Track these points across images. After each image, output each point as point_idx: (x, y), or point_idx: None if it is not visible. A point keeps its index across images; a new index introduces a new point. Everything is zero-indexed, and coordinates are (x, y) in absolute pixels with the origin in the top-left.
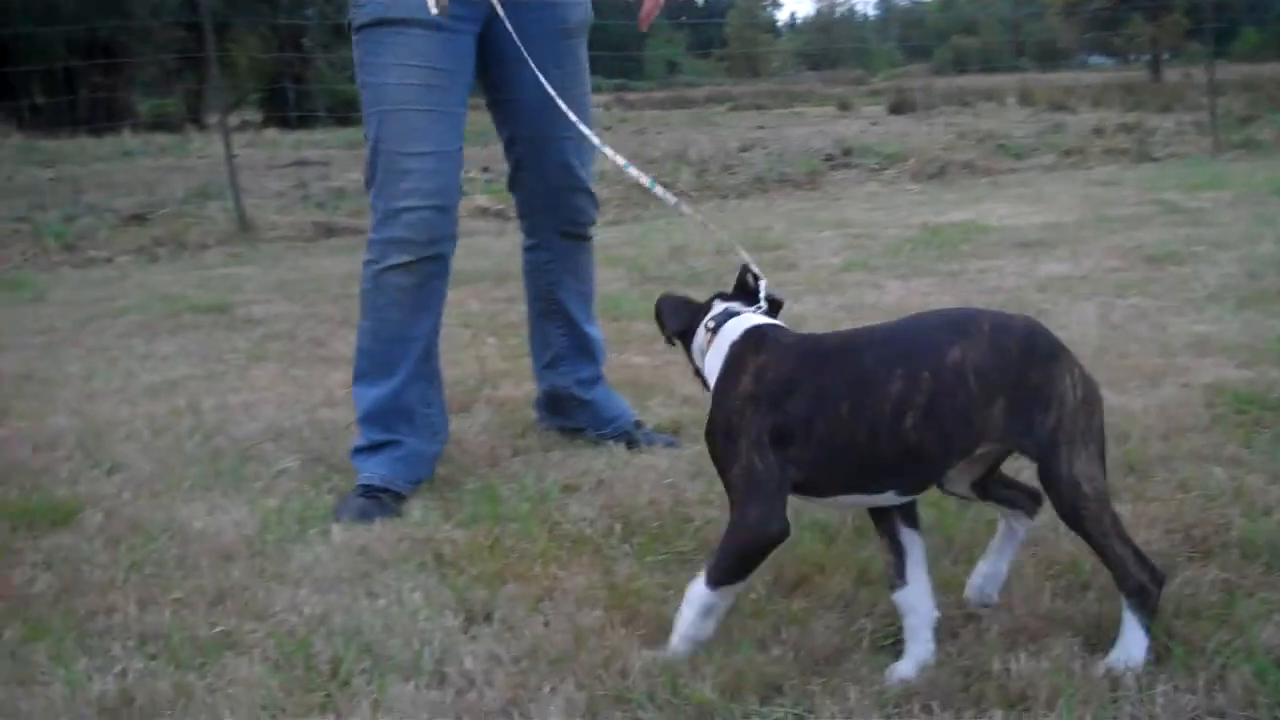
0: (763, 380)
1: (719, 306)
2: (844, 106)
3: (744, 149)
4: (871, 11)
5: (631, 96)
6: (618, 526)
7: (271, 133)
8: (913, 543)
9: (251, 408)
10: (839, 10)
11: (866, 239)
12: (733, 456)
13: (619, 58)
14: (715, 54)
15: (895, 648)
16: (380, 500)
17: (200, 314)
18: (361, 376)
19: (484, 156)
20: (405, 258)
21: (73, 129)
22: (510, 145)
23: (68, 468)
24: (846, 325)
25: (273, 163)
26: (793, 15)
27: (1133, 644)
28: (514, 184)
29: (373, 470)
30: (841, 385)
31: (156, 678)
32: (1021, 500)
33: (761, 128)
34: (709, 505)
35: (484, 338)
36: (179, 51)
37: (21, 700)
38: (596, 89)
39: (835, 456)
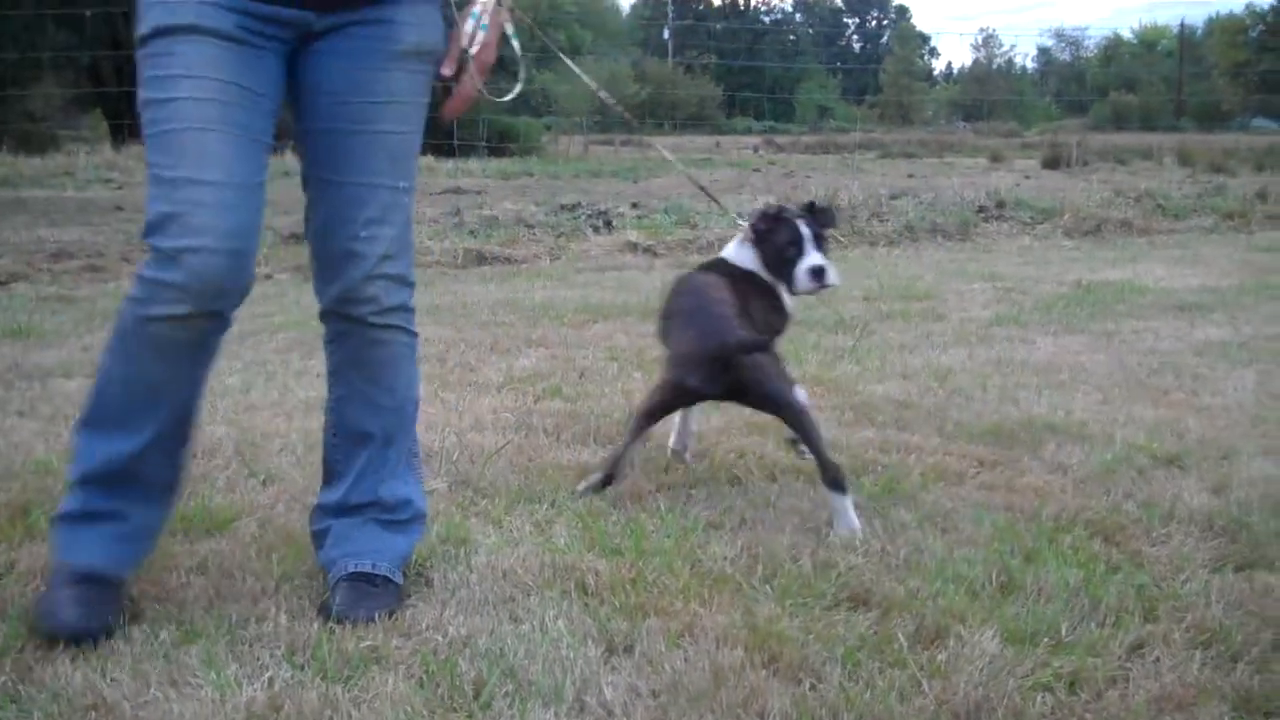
0: None
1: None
2: (996, 158)
3: (894, 197)
4: (1030, 64)
5: (781, 140)
6: (760, 567)
7: (427, 160)
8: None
9: None
10: (997, 62)
11: (1017, 293)
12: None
13: (771, 100)
14: (869, 100)
15: (1040, 709)
16: (101, 589)
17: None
18: (93, 424)
19: (634, 192)
20: (180, 309)
21: None
22: (304, 187)
23: (224, 476)
24: (996, 380)
25: (428, 189)
26: (949, 65)
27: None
28: (307, 237)
29: (90, 551)
30: None
31: (304, 688)
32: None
33: (912, 176)
34: (851, 552)
35: (630, 372)
36: None
37: (174, 702)
38: (746, 130)
39: None
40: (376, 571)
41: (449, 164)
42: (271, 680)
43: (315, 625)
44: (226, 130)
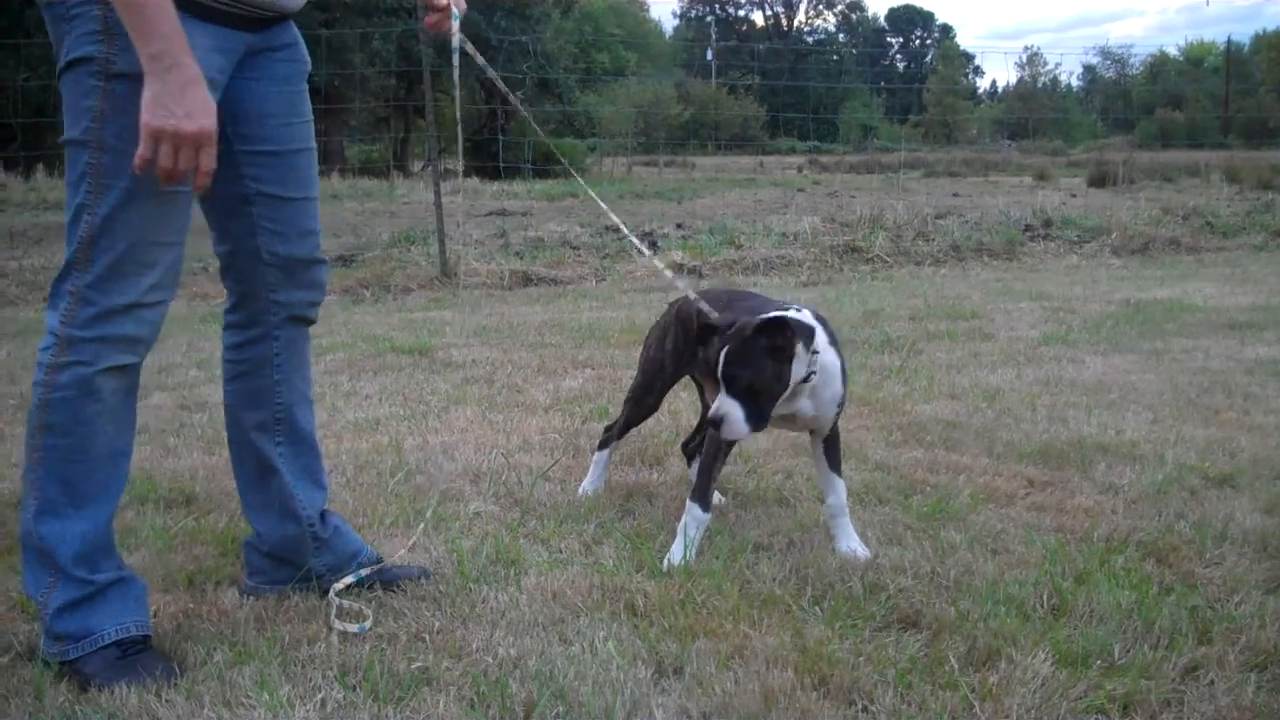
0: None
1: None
2: (1041, 177)
3: (939, 216)
4: (1075, 82)
5: (825, 159)
6: (809, 588)
7: (472, 182)
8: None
9: (451, 449)
10: (1041, 80)
11: (1065, 312)
12: None
13: (815, 120)
14: (913, 120)
15: None
16: (151, 651)
17: (402, 355)
18: (55, 511)
19: (677, 213)
20: (127, 359)
21: None
22: (239, 204)
23: None
24: (1044, 399)
25: (473, 211)
26: (993, 83)
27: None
28: (234, 262)
29: (129, 618)
30: None
31: (356, 709)
32: None
33: (957, 195)
34: (901, 573)
35: (676, 391)
36: (389, 100)
37: None
38: (790, 150)
39: None
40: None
41: (494, 186)
42: (324, 701)
43: (367, 646)
44: (183, 188)
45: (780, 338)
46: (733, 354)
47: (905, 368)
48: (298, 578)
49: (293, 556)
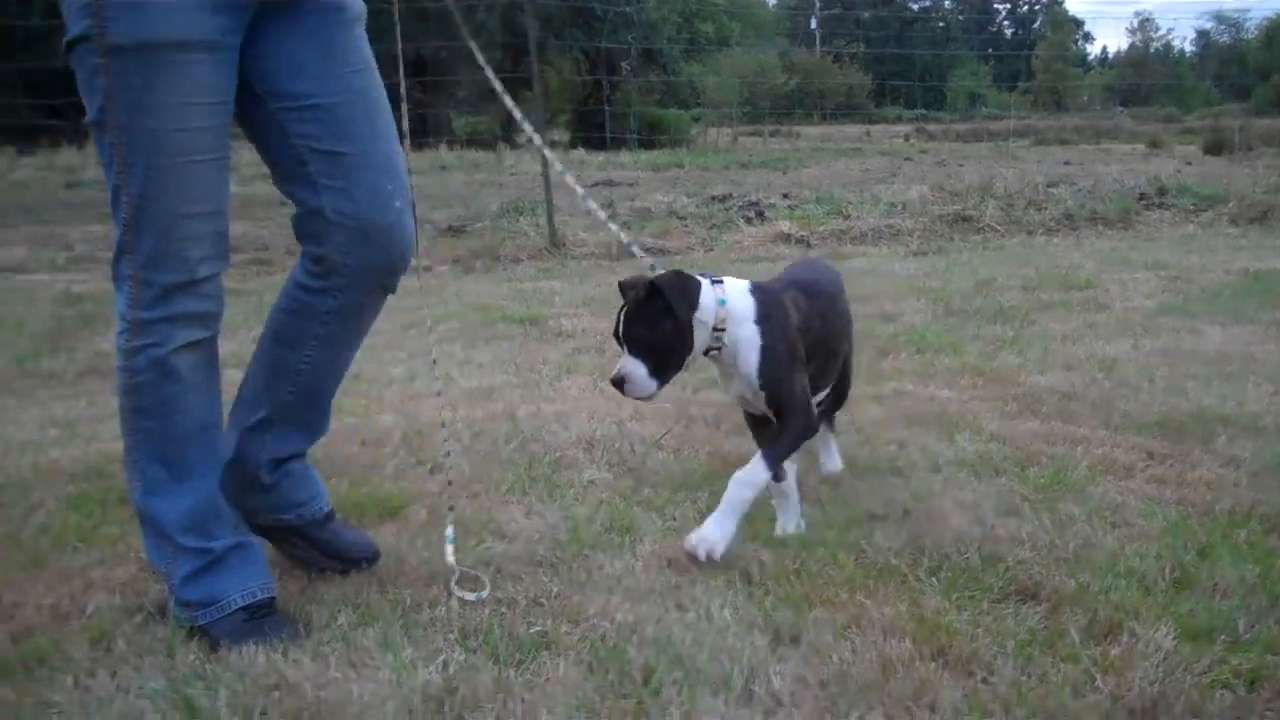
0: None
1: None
2: (1155, 144)
3: (1051, 184)
4: (1189, 48)
5: (931, 127)
6: (925, 559)
7: (579, 153)
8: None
9: (564, 417)
10: (1154, 45)
11: (1183, 282)
12: (790, 379)
13: (922, 88)
14: (1021, 87)
15: (1218, 706)
16: (277, 614)
17: (514, 324)
18: (159, 490)
19: (784, 183)
20: (200, 334)
21: None
22: (297, 164)
23: (393, 464)
24: (1163, 370)
25: (579, 182)
26: (1104, 49)
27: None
28: (304, 227)
29: (255, 581)
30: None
31: (477, 671)
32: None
33: (1068, 163)
34: (1019, 545)
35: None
36: (496, 71)
37: (354, 683)
38: (897, 118)
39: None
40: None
41: (600, 156)
42: (446, 663)
43: (486, 610)
44: (215, 156)
45: (660, 299)
46: (629, 312)
47: (1019, 338)
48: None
49: (234, 488)
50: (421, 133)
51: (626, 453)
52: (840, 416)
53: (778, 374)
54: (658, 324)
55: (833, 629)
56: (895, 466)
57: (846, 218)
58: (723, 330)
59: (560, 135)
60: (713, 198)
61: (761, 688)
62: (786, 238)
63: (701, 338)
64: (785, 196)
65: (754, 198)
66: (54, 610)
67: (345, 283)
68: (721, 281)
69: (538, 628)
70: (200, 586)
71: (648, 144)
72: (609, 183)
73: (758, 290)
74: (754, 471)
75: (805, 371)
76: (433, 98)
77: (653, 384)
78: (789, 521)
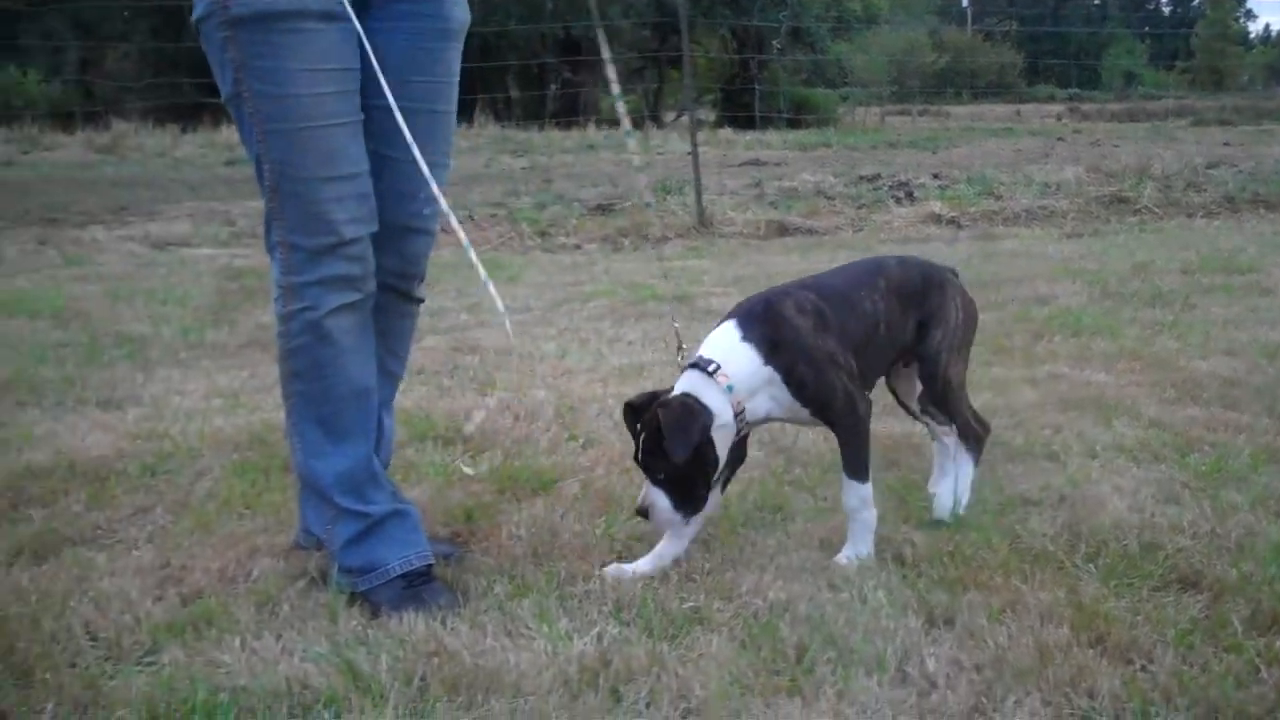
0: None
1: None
2: None
3: (1211, 165)
4: None
5: (1085, 107)
6: (1082, 545)
7: (725, 132)
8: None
9: None
10: None
11: None
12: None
13: (1076, 66)
14: (1179, 66)
15: None
16: (436, 582)
17: (662, 302)
18: (318, 454)
19: (933, 162)
20: (352, 296)
21: (541, 122)
22: None
23: (546, 438)
24: None
25: (726, 161)
26: (1266, 27)
27: (965, 473)
28: None
29: (412, 549)
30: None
31: (631, 644)
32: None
33: (1229, 144)
34: (1179, 533)
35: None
36: (643, 50)
37: (510, 652)
38: (1049, 97)
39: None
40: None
41: (746, 136)
42: (600, 635)
43: (639, 584)
44: (347, 120)
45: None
46: (646, 443)
47: (1178, 322)
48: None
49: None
50: (570, 112)
51: (777, 432)
52: (994, 400)
53: (815, 391)
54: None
55: (987, 613)
56: (1050, 451)
57: (998, 198)
58: (743, 411)
59: (707, 114)
60: (861, 177)
61: (915, 669)
62: (937, 218)
63: (725, 440)
64: (935, 176)
65: (903, 178)
66: (221, 574)
67: (379, 283)
68: (715, 365)
69: (690, 603)
70: (359, 553)
71: (795, 123)
72: (756, 162)
73: (747, 323)
74: (853, 494)
75: (841, 364)
76: (580, 77)
77: (677, 516)
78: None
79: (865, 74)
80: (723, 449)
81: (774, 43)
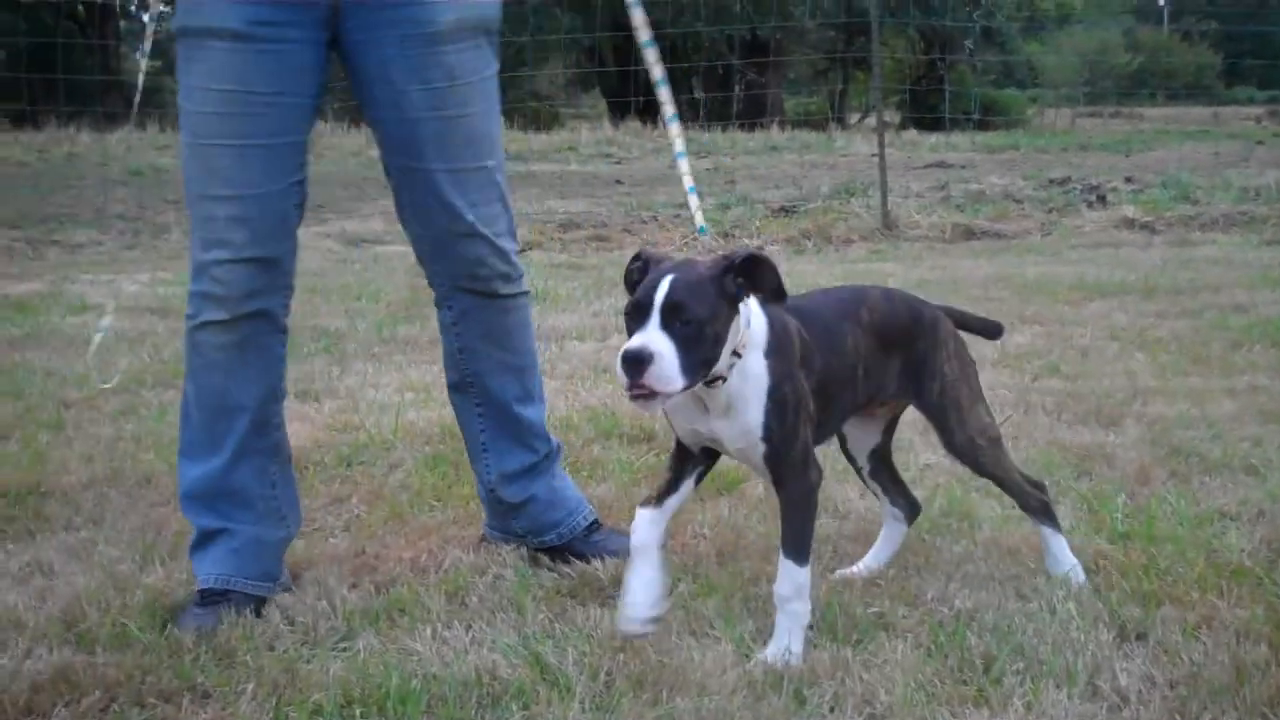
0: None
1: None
2: None
3: None
4: None
5: None
6: None
7: (910, 134)
8: (689, 489)
9: None
10: None
11: None
12: (796, 434)
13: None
14: None
15: None
16: (219, 607)
17: None
18: (185, 451)
19: (1126, 166)
20: (220, 314)
21: (724, 123)
22: (387, 176)
23: None
24: None
25: (911, 164)
26: None
27: (1059, 549)
28: (401, 221)
29: (208, 570)
30: (831, 340)
31: (815, 648)
32: (903, 504)
33: None
34: None
35: (1132, 352)
36: (828, 52)
37: (694, 650)
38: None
39: (825, 406)
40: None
41: (931, 138)
42: None
43: (823, 589)
44: (232, 142)
45: (753, 276)
46: (684, 282)
47: None
48: (510, 537)
49: (495, 512)
50: (755, 113)
51: None
52: (1190, 411)
53: (784, 429)
54: (717, 308)
55: (1182, 628)
56: (1249, 464)
57: (1195, 203)
58: (739, 356)
59: (892, 116)
60: (1051, 180)
61: (1107, 684)
62: (1130, 223)
63: (729, 338)
64: (1128, 180)
65: (1094, 181)
66: (413, 564)
67: (443, 292)
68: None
69: (874, 609)
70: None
71: (982, 125)
72: (941, 164)
73: (769, 314)
74: (787, 579)
75: (810, 416)
76: (765, 77)
77: (679, 379)
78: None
79: (1056, 75)
80: (722, 363)
81: (966, 43)
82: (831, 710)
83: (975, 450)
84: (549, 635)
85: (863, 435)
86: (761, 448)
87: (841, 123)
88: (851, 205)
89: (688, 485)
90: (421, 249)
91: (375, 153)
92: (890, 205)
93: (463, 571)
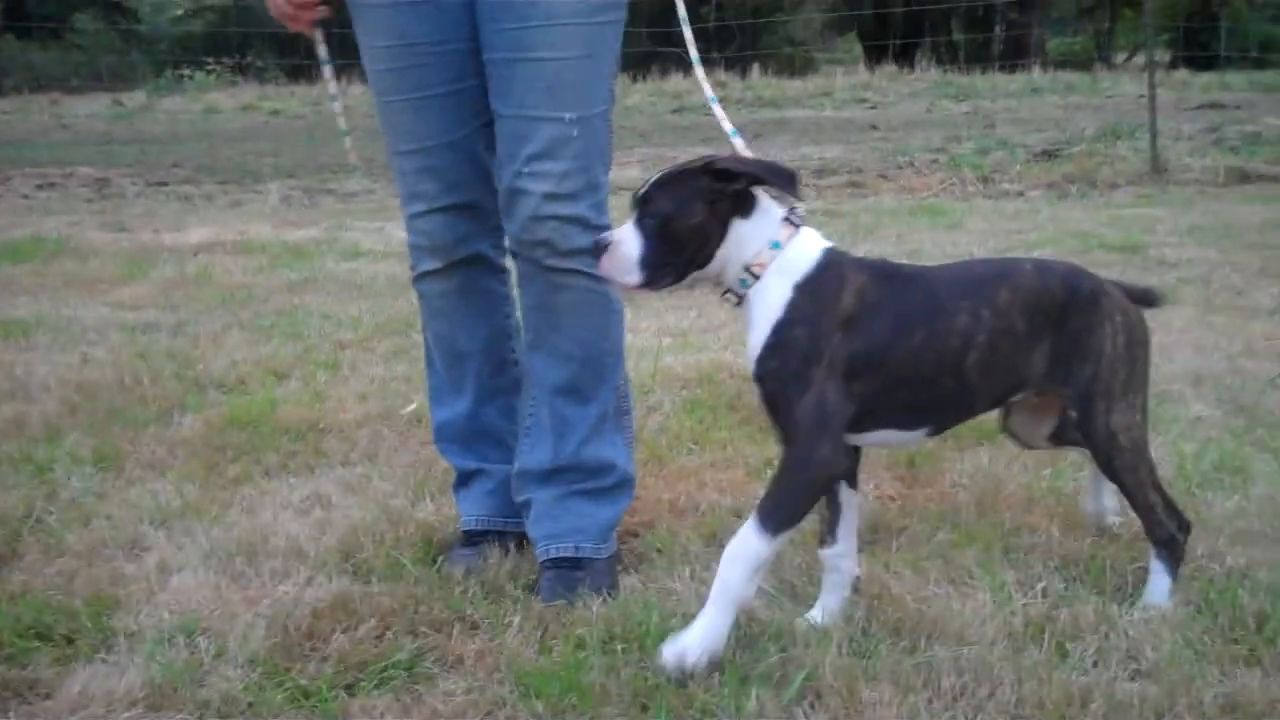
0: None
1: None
2: None
3: None
4: None
5: None
6: None
7: (1180, 74)
8: (849, 504)
9: (1168, 349)
10: None
11: None
12: (802, 387)
13: None
14: None
15: None
16: (481, 547)
17: (1111, 252)
18: (433, 396)
19: None
20: (434, 264)
21: (984, 65)
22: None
23: None
24: None
25: (1182, 104)
26: None
27: (1159, 589)
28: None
29: (469, 511)
30: (919, 314)
31: (1079, 601)
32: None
33: None
34: None
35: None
36: None
37: (953, 599)
38: None
39: (896, 388)
40: (580, 555)
41: (1203, 77)
42: (1045, 590)
43: (1088, 541)
44: (407, 97)
45: (729, 184)
46: (666, 175)
47: None
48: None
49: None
50: (1016, 54)
51: (1238, 390)
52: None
53: (784, 374)
54: (689, 206)
55: None
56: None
57: None
58: (756, 276)
59: (1161, 55)
60: None
61: None
62: None
63: (725, 259)
64: None
65: None
66: (671, 505)
67: (510, 247)
68: (800, 226)
69: (1141, 563)
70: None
71: (1260, 63)
72: (1215, 105)
73: (830, 256)
74: (737, 541)
75: (834, 384)
76: (1027, 18)
77: (636, 272)
78: (828, 603)
79: None
80: (716, 263)
81: None
82: (1095, 665)
83: (1111, 447)
84: (807, 578)
85: (1029, 422)
86: (757, 388)
87: (1107, 62)
88: (1118, 148)
89: (848, 497)
90: (499, 202)
91: (630, 101)
92: (1160, 148)
93: (720, 514)
